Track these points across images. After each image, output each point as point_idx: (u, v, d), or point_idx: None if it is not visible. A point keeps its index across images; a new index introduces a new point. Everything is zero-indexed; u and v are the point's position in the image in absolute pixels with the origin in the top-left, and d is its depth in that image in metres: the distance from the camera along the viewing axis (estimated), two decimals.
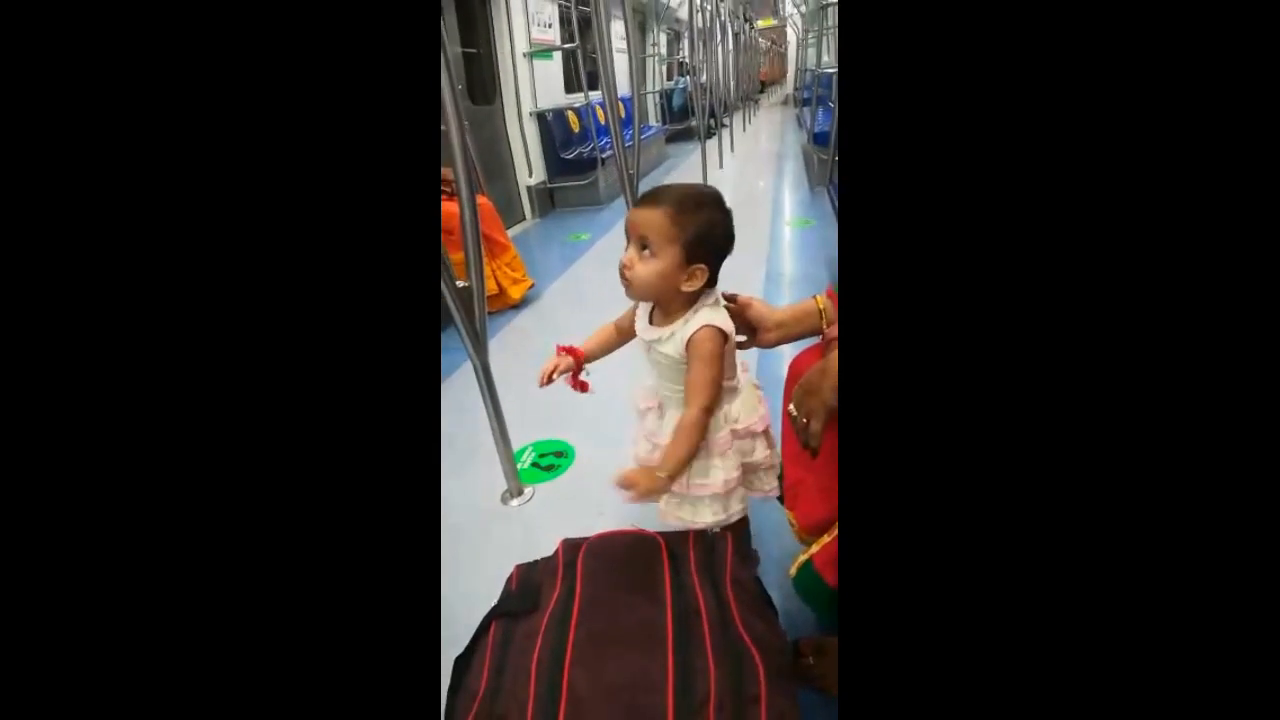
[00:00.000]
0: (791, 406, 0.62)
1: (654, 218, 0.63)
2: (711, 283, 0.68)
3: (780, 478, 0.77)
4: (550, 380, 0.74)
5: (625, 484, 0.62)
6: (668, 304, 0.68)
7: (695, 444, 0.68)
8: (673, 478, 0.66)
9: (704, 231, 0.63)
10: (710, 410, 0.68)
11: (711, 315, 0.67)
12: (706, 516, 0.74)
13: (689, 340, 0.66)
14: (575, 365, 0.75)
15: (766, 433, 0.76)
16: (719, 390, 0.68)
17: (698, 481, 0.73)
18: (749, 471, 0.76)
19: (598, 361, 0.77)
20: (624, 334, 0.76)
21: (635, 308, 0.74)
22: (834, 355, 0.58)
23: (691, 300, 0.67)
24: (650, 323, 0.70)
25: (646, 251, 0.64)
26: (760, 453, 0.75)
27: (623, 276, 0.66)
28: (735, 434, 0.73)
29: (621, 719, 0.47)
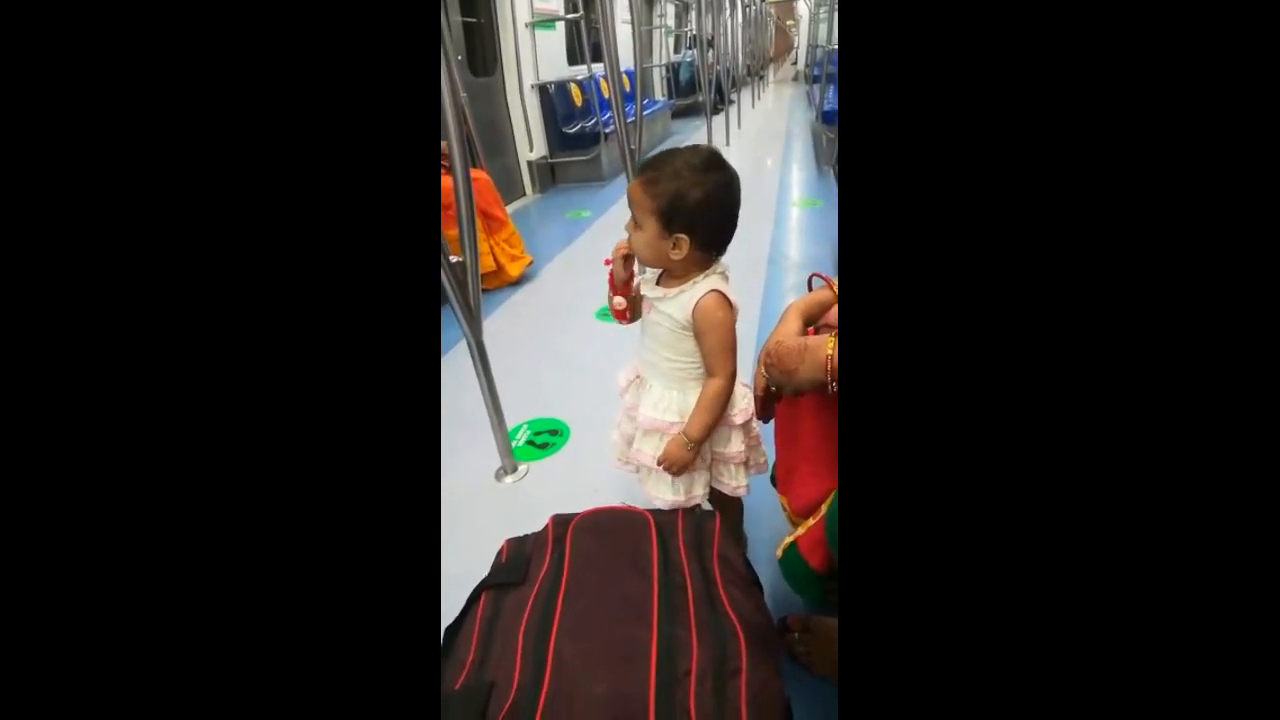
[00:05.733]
0: (762, 370, 0.63)
1: (634, 190, 0.66)
2: (717, 250, 0.69)
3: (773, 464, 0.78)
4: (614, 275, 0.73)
5: (662, 459, 0.71)
6: (672, 270, 0.70)
7: (719, 412, 0.70)
8: (699, 443, 0.71)
9: (677, 201, 0.64)
10: (733, 378, 0.71)
11: (719, 284, 0.68)
12: (666, 494, 0.76)
13: (696, 308, 0.67)
14: (622, 289, 0.74)
15: (746, 426, 0.76)
16: (735, 357, 0.70)
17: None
18: (719, 461, 0.77)
19: (594, 350, 0.78)
20: None
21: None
22: (818, 339, 0.58)
23: (695, 267, 0.69)
24: (658, 284, 0.73)
25: (636, 224, 0.67)
26: (735, 445, 0.75)
27: (628, 246, 0.69)
28: None
29: (605, 688, 0.48)
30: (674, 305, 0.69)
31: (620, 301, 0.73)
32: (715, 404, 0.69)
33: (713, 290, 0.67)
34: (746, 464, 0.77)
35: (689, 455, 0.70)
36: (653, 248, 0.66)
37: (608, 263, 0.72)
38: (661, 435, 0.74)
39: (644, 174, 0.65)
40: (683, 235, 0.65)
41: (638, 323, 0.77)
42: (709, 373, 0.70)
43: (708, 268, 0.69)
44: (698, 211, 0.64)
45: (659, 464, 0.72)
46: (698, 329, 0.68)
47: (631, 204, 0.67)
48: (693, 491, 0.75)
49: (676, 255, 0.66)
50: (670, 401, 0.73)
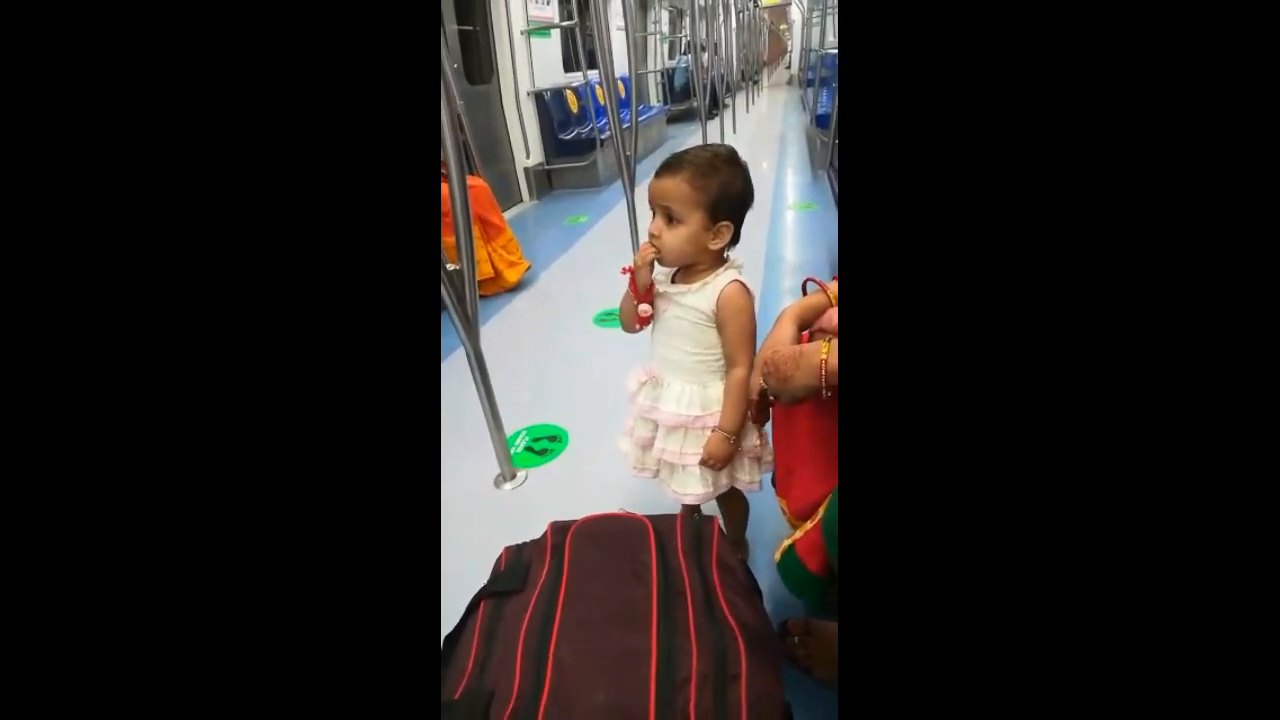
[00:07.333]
0: (761, 382, 0.64)
1: (676, 186, 0.67)
2: (734, 239, 0.72)
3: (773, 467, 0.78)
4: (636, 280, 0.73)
5: (705, 458, 0.72)
6: (697, 265, 0.72)
7: (746, 400, 0.71)
8: (737, 434, 0.72)
9: (723, 191, 0.67)
10: (752, 366, 0.71)
11: (739, 274, 0.71)
12: (696, 487, 0.76)
13: (720, 297, 0.69)
14: (644, 294, 0.74)
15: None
16: (755, 346, 0.72)
17: (690, 451, 0.75)
18: (736, 455, 0.77)
19: (593, 356, 0.77)
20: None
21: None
22: (812, 346, 0.58)
23: (719, 258, 0.71)
24: (673, 281, 0.74)
25: (674, 220, 0.68)
26: (751, 439, 0.76)
27: (652, 245, 0.70)
28: None
29: (605, 695, 0.48)
30: (699, 298, 0.70)
31: (646, 309, 0.73)
32: (742, 392, 0.71)
33: (735, 280, 0.70)
34: (759, 460, 0.78)
35: (731, 449, 0.72)
36: (694, 241, 0.68)
37: (625, 270, 0.72)
38: (685, 430, 0.74)
39: (682, 171, 0.66)
40: (727, 222, 0.68)
41: (645, 328, 0.77)
42: (730, 363, 0.71)
43: (724, 262, 0.72)
44: (739, 198, 0.69)
45: (702, 463, 0.72)
46: (721, 318, 0.70)
47: (669, 201, 0.67)
48: (719, 482, 0.76)
49: (717, 244, 0.69)
50: (692, 395, 0.73)
